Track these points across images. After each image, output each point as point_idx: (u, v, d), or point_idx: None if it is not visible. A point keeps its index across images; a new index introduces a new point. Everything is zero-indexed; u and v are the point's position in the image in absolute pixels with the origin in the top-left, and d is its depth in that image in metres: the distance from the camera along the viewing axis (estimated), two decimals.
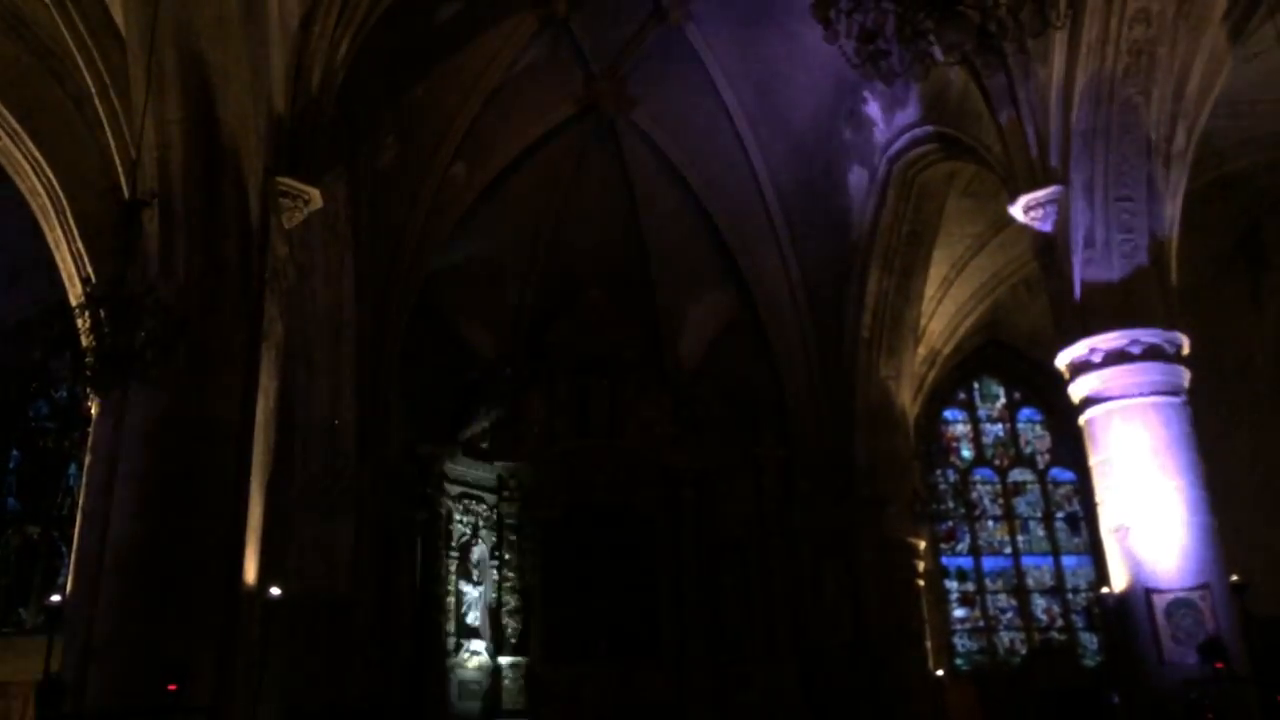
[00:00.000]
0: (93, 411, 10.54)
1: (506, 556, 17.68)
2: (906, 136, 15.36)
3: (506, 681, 16.87)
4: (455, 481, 17.68)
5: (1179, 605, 10.34)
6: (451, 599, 17.07)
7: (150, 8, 9.33)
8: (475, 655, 16.99)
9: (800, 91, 16.73)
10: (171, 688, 8.27)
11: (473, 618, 17.28)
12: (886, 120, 15.70)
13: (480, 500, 17.92)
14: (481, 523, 17.83)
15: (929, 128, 14.74)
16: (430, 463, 17.44)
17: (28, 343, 18.25)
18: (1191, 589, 10.37)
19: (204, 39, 9.84)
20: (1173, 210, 11.89)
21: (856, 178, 16.89)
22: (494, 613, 17.40)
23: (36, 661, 10.28)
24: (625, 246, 19.35)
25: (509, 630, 17.25)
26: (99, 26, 10.46)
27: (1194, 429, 11.08)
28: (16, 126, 11.41)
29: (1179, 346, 11.26)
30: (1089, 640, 20.41)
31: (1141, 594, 10.55)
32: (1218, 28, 11.84)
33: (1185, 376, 11.25)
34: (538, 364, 18.94)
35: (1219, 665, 9.79)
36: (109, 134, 10.63)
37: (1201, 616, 10.25)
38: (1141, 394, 11.02)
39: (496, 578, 17.58)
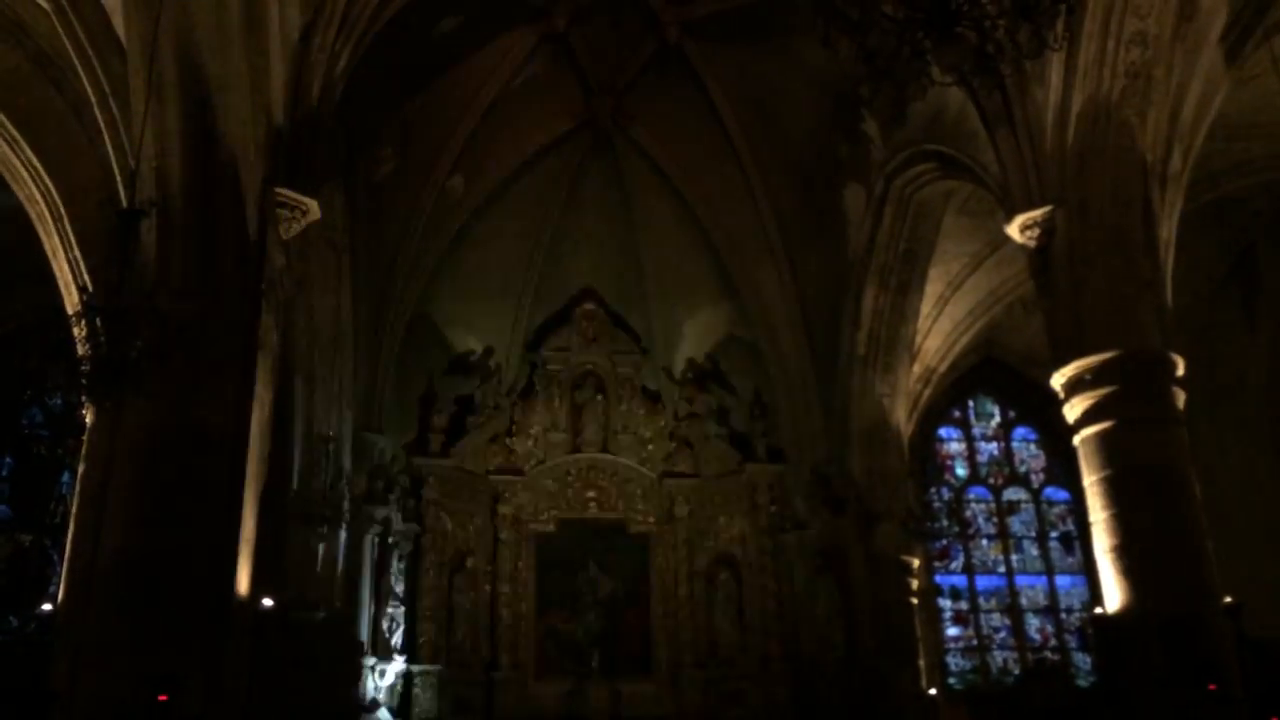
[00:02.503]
0: (87, 420, 10.52)
1: (500, 570, 17.63)
2: (903, 155, 15.39)
3: (499, 695, 16.80)
4: (449, 494, 17.64)
5: (1173, 626, 10.33)
6: (444, 612, 17.01)
7: (151, 17, 9.37)
8: (468, 668, 16.92)
9: (798, 109, 16.78)
10: (162, 698, 8.25)
11: (466, 631, 17.21)
12: (884, 138, 15.75)
13: (475, 513, 17.88)
14: (475, 536, 17.79)
15: (926, 146, 14.77)
16: (424, 475, 17.42)
17: (22, 350, 18.23)
18: (1185, 610, 10.37)
19: (204, 49, 9.87)
20: (1168, 232, 11.93)
21: (853, 195, 16.92)
22: (488, 626, 17.33)
23: (27, 670, 10.25)
24: (621, 261, 19.39)
25: (502, 644, 17.18)
26: (99, 35, 10.47)
27: (1188, 450, 11.10)
28: (15, 134, 11.43)
29: (1173, 367, 11.29)
30: (1082, 661, 20.36)
31: (1135, 615, 10.55)
32: (1214, 50, 11.92)
33: (1179, 398, 11.27)
34: (533, 377, 18.95)
35: (1212, 687, 9.77)
36: (108, 143, 10.63)
37: (1195, 638, 10.24)
38: (1136, 414, 11.04)
39: (490, 591, 17.52)
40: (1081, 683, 19.85)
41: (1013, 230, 12.15)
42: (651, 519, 18.35)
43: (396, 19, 12.30)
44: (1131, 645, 10.62)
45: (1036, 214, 11.85)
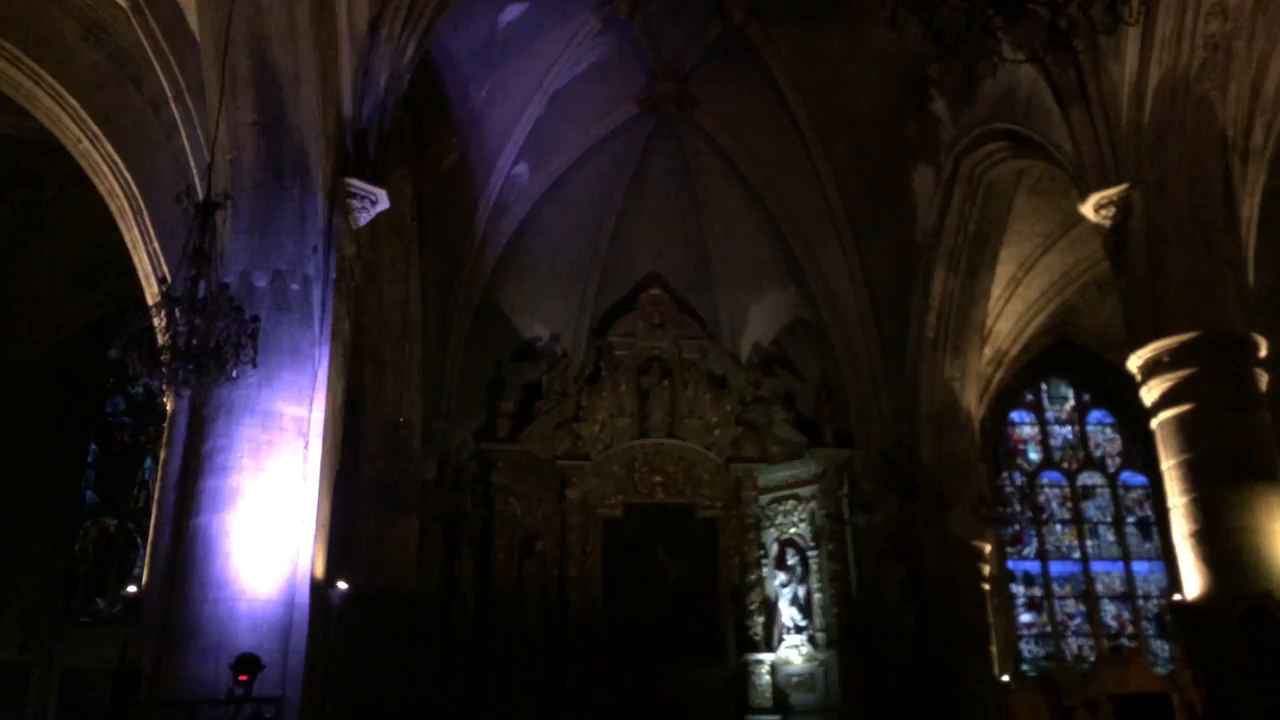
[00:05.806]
0: (168, 407, 10.79)
1: (568, 554, 17.75)
2: (973, 134, 15.13)
3: (567, 678, 16.93)
4: (518, 479, 17.80)
5: (1255, 614, 10.09)
6: (515, 595, 17.18)
7: (223, 13, 9.58)
8: (537, 652, 17.09)
9: (864, 89, 16.58)
10: (242, 678, 8.45)
11: (535, 614, 17.36)
12: (953, 118, 15.50)
13: (543, 498, 18.02)
14: (544, 520, 17.92)
15: (997, 125, 14.50)
16: (493, 460, 17.59)
17: (104, 340, 18.78)
18: (1269, 597, 10.12)
19: (275, 44, 10.07)
20: (1250, 208, 11.60)
21: (922, 176, 16.70)
22: (557, 610, 17.47)
23: (113, 650, 10.58)
24: (687, 246, 19.36)
25: (570, 628, 17.31)
26: (174, 31, 10.72)
27: (1271, 433, 10.80)
28: (96, 129, 11.73)
29: (1256, 348, 10.97)
30: (1160, 648, 19.97)
31: (1216, 603, 10.31)
32: None
33: (1263, 379, 10.96)
34: (599, 363, 19.02)
35: None
36: (184, 137, 10.89)
37: (1278, 627, 9.99)
38: (1216, 397, 10.76)
39: (559, 575, 17.66)
40: (1160, 670, 19.45)
41: (1087, 209, 11.90)
42: (718, 503, 18.34)
43: (462, 8, 12.41)
44: (1211, 634, 10.39)
45: (1112, 192, 11.59)
